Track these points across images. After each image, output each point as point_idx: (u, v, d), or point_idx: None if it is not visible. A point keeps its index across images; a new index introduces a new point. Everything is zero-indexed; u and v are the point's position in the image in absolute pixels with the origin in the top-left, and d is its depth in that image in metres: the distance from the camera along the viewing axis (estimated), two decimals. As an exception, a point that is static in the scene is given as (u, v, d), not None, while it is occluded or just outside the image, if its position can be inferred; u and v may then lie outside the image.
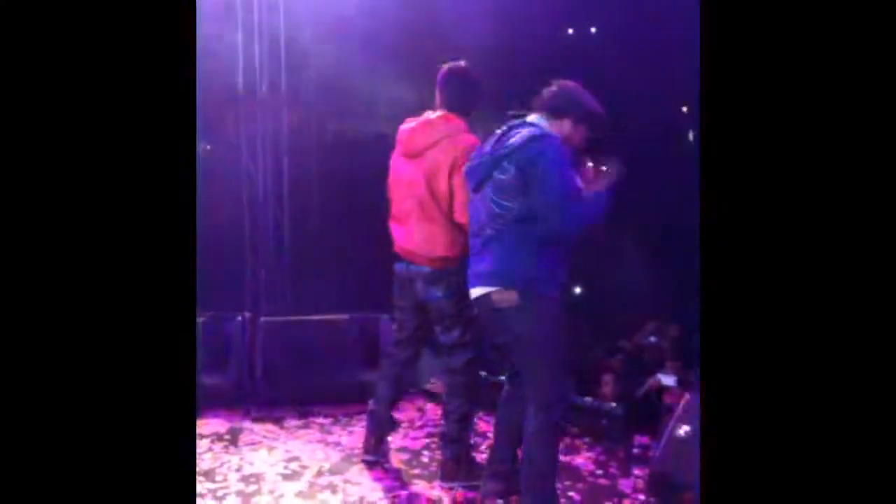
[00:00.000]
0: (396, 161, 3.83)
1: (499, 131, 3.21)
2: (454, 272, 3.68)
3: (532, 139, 3.04)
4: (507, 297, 3.06)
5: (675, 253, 6.19)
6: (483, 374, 4.85)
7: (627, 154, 3.30)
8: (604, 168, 3.26)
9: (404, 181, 3.75)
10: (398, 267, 3.86)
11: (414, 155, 3.69)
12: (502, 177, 3.06)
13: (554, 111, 3.21)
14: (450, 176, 3.58)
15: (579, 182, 3.16)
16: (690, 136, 9.65)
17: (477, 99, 3.76)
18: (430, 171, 3.62)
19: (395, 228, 3.84)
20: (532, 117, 3.22)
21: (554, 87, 3.25)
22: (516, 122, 3.20)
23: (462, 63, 3.75)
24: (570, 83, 3.28)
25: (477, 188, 3.21)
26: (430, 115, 3.74)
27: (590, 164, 3.28)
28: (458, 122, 3.68)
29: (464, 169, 3.34)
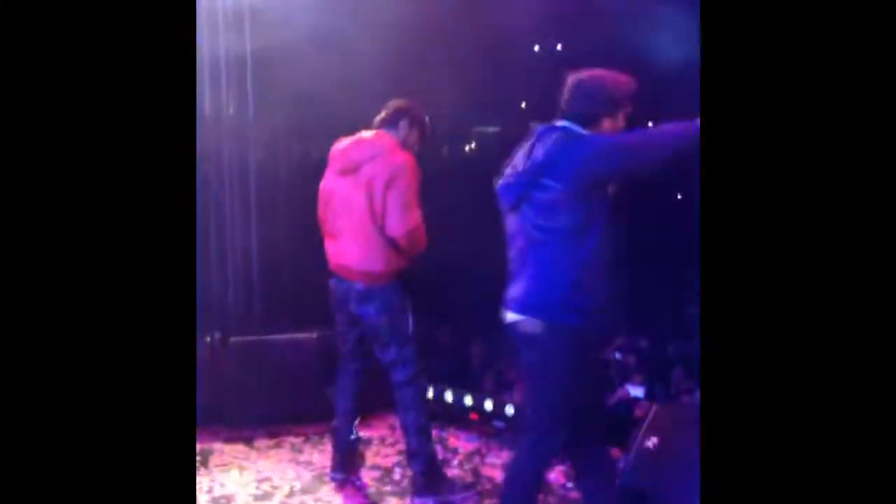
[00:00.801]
0: (329, 180, 3.88)
1: (524, 145, 2.94)
2: (389, 289, 3.74)
3: (565, 144, 2.79)
4: (533, 325, 2.87)
5: (643, 266, 6.27)
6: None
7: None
8: None
9: (339, 197, 3.79)
10: (332, 283, 3.90)
11: (349, 171, 3.75)
12: (545, 196, 2.80)
13: (585, 117, 2.88)
14: (386, 189, 3.63)
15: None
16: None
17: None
18: (367, 186, 3.67)
19: (329, 245, 3.88)
20: (561, 123, 2.90)
21: (577, 85, 2.91)
22: (541, 128, 2.92)
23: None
24: (593, 74, 2.93)
25: (513, 209, 2.94)
26: (364, 133, 3.83)
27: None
28: (391, 140, 3.76)
29: (496, 187, 3.00)
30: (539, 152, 2.84)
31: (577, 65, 3.05)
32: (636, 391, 4.70)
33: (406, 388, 3.79)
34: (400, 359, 3.77)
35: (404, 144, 3.81)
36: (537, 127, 2.94)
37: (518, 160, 2.94)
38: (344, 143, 3.84)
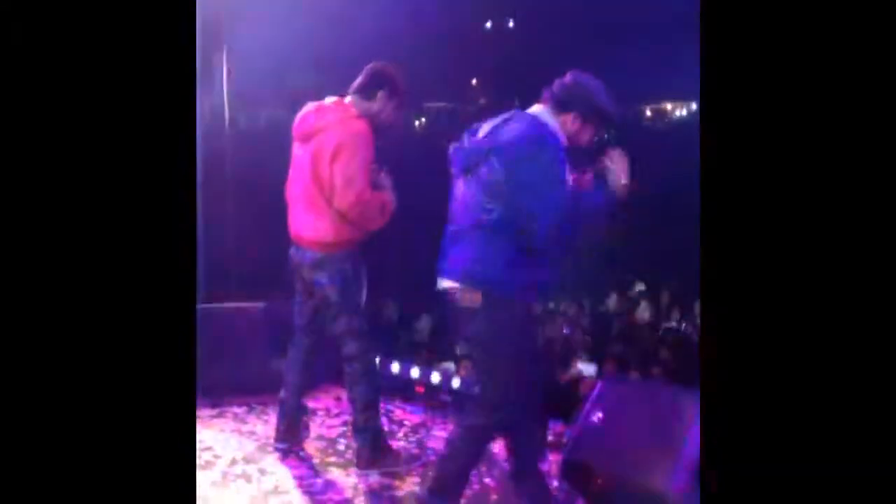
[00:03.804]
0: (294, 146, 3.80)
1: (496, 119, 2.98)
2: (341, 258, 3.67)
3: (528, 138, 2.84)
4: (471, 298, 2.92)
5: (591, 246, 6.32)
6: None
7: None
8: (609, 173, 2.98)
9: (294, 165, 3.74)
10: (291, 251, 3.83)
11: (303, 138, 3.67)
12: (488, 174, 2.86)
13: (559, 104, 2.97)
14: (332, 161, 3.52)
15: (572, 189, 2.91)
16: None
17: None
18: (315, 154, 3.58)
19: (289, 213, 3.81)
20: (535, 108, 3.00)
21: (566, 78, 3.01)
22: (517, 111, 2.98)
23: None
24: (585, 75, 3.04)
25: (459, 175, 3.01)
26: (327, 100, 3.72)
27: (590, 174, 3.05)
28: (350, 108, 3.64)
29: (450, 150, 3.06)
30: (503, 132, 2.88)
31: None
32: (588, 369, 4.74)
33: (355, 361, 3.74)
34: (349, 330, 3.71)
35: (377, 115, 3.67)
36: (516, 108, 3.00)
37: (482, 129, 2.97)
38: (306, 109, 3.74)
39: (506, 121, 2.94)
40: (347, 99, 3.68)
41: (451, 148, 3.04)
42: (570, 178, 2.98)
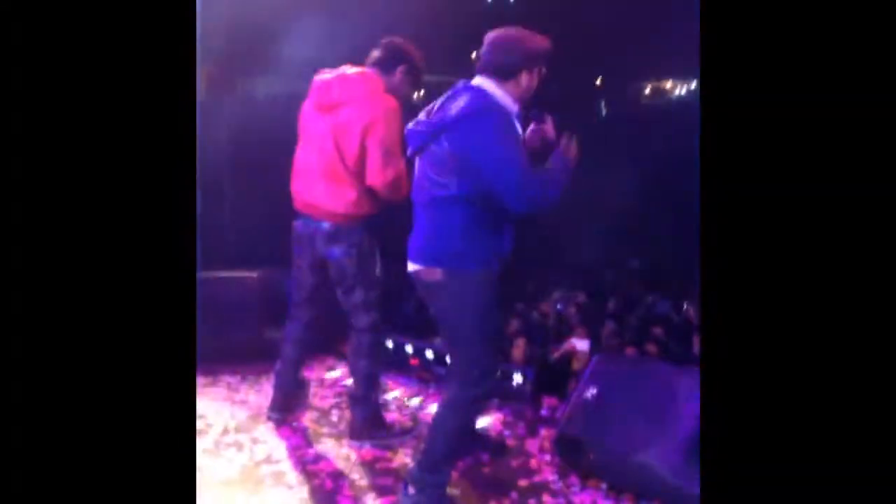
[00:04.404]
0: (306, 113, 3.72)
1: (442, 97, 2.97)
2: (357, 230, 3.62)
3: (470, 115, 2.79)
4: (432, 274, 2.95)
5: (583, 220, 6.28)
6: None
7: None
8: (546, 127, 3.07)
9: (313, 134, 3.64)
10: (297, 223, 3.77)
11: (327, 108, 3.58)
12: (438, 150, 2.87)
13: (501, 71, 2.91)
14: (363, 136, 3.47)
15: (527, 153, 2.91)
16: (602, 107, 9.79)
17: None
18: (341, 127, 3.51)
19: (296, 182, 3.73)
20: (477, 80, 2.95)
21: (493, 43, 2.94)
22: (461, 85, 2.95)
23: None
24: (504, 32, 2.96)
25: (413, 155, 3.04)
26: (348, 69, 3.64)
27: (534, 126, 3.10)
28: (378, 81, 3.58)
29: (405, 131, 3.08)
30: (449, 109, 2.87)
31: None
32: (582, 345, 4.72)
33: (365, 334, 3.72)
34: (365, 303, 3.69)
35: (394, 89, 3.63)
36: (459, 82, 2.98)
37: (433, 109, 2.98)
38: (326, 76, 3.64)
39: (451, 97, 2.92)
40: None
41: (407, 130, 3.06)
42: (528, 134, 3.05)
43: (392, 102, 3.53)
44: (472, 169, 2.81)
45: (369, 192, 3.59)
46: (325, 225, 3.64)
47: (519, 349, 4.74)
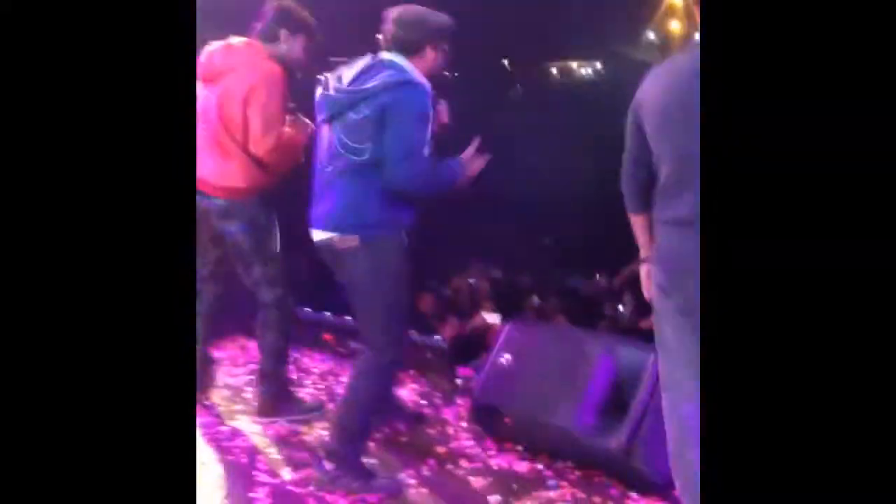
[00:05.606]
0: (197, 87, 3.62)
1: (356, 68, 2.95)
2: (251, 204, 3.53)
3: (395, 85, 2.82)
4: (348, 242, 2.92)
5: (503, 198, 6.35)
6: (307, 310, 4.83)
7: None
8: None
9: (199, 107, 3.49)
10: None
11: (209, 79, 3.49)
12: (356, 117, 2.85)
13: (409, 47, 2.94)
14: (245, 104, 3.37)
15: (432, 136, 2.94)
16: (518, 89, 9.88)
17: None
18: (223, 97, 3.42)
19: None
20: (387, 55, 2.94)
21: (400, 17, 2.95)
22: (378, 59, 2.94)
23: None
24: (410, 7, 3.01)
25: (325, 122, 3.00)
26: (233, 40, 3.54)
27: (443, 104, 3.12)
28: (260, 49, 3.48)
29: (316, 98, 3.05)
30: (368, 81, 2.87)
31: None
32: (492, 318, 4.78)
33: (272, 308, 3.64)
34: (265, 278, 3.60)
35: (285, 56, 3.51)
36: (371, 55, 2.97)
37: (345, 76, 2.96)
38: (210, 48, 3.54)
39: (370, 67, 2.92)
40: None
41: (318, 97, 3.03)
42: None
43: (274, 69, 3.43)
44: (384, 131, 2.81)
45: (260, 165, 3.49)
46: (218, 201, 3.52)
47: (452, 327, 4.75)
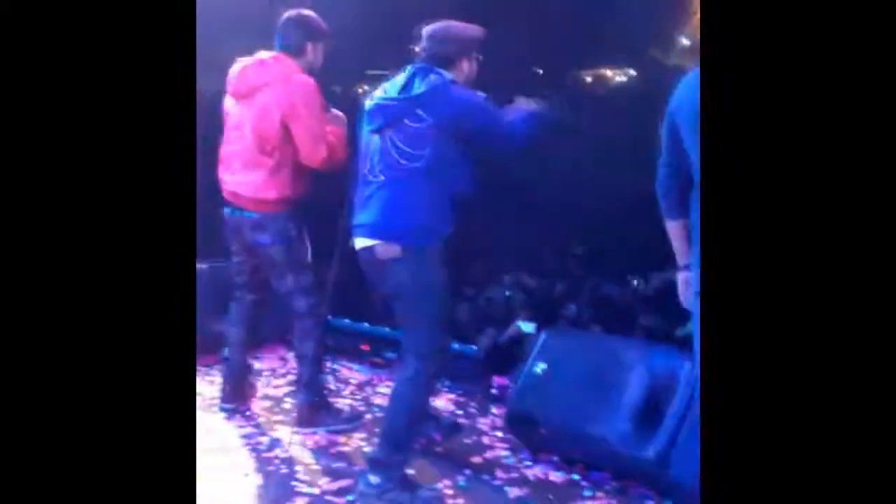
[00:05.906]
0: (227, 102, 3.75)
1: (402, 77, 3.06)
2: (282, 217, 3.64)
3: (440, 85, 2.95)
4: (391, 251, 2.98)
5: (531, 206, 6.33)
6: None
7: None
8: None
9: (232, 123, 3.67)
10: (226, 212, 3.77)
11: (243, 95, 3.61)
12: (415, 125, 2.94)
13: (445, 60, 3.08)
14: (285, 121, 3.50)
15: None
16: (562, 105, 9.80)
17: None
18: (259, 113, 3.54)
19: (221, 172, 3.75)
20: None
21: (433, 33, 3.11)
22: (420, 66, 3.05)
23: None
24: (443, 23, 3.15)
25: (374, 132, 3.06)
26: (263, 54, 3.66)
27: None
28: (291, 64, 3.59)
29: (366, 108, 3.13)
30: (418, 87, 2.98)
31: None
32: (527, 327, 4.78)
33: (306, 317, 3.74)
34: (298, 288, 3.70)
35: (314, 67, 3.68)
36: (412, 65, 3.09)
37: (390, 90, 3.07)
38: (242, 64, 3.66)
39: (414, 75, 3.03)
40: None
41: (368, 106, 3.11)
42: None
43: (308, 82, 3.56)
44: (454, 132, 2.95)
45: (290, 179, 3.61)
46: (250, 214, 3.65)
47: (487, 336, 4.76)
